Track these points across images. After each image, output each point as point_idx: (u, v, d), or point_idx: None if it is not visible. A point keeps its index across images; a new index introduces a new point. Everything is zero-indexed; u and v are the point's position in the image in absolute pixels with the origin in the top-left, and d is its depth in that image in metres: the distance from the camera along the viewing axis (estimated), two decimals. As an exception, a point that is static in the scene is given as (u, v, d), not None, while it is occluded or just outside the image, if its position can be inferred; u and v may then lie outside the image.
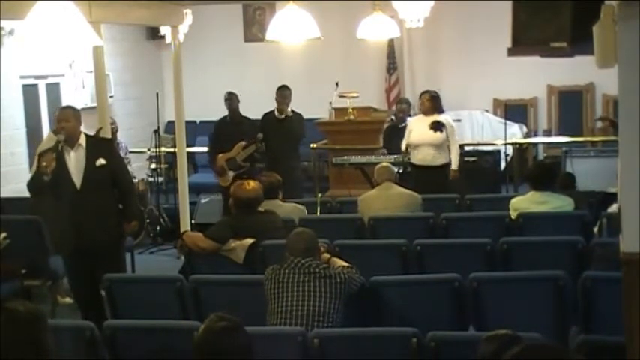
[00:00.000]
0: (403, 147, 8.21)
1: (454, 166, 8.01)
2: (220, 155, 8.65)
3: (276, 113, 8.91)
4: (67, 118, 5.66)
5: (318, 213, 7.29)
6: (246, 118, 8.97)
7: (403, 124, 9.01)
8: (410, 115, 9.46)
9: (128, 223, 5.99)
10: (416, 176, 8.04)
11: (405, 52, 12.31)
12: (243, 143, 8.65)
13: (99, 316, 5.29)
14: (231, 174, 8.55)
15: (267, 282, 4.47)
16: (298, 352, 3.89)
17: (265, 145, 8.80)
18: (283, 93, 8.90)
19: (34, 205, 6.17)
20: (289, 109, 8.91)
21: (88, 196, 5.68)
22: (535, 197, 6.06)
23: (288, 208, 6.44)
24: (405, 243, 5.46)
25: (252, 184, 5.80)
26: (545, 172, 6.20)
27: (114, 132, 8.66)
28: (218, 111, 9.39)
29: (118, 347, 4.16)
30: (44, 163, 5.46)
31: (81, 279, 5.78)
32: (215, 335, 3.03)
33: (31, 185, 5.74)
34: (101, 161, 5.71)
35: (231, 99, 8.92)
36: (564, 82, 11.80)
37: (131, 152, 9.94)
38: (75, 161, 5.67)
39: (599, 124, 11.11)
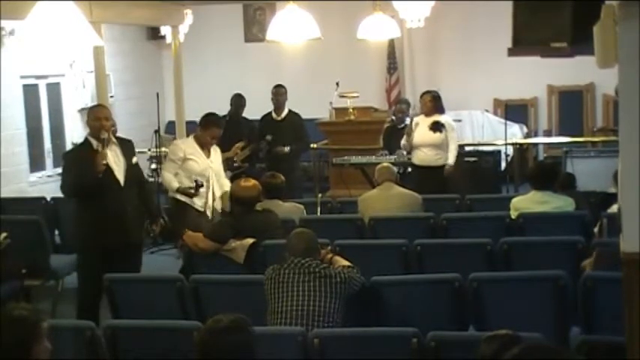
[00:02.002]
0: (403, 143, 8.17)
1: (450, 161, 7.98)
2: None
3: (274, 114, 8.92)
4: (106, 116, 5.75)
5: (319, 213, 7.29)
6: (244, 118, 8.99)
7: (402, 125, 9.02)
8: (409, 116, 9.46)
9: (154, 222, 6.08)
10: (417, 176, 8.05)
11: (405, 52, 12.31)
12: (241, 144, 8.66)
13: (95, 318, 5.31)
14: (228, 174, 8.56)
15: (268, 282, 4.48)
16: (298, 352, 3.89)
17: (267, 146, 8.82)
18: (278, 90, 8.93)
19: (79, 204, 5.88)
20: (287, 109, 8.91)
21: (128, 192, 5.80)
22: (536, 197, 6.06)
23: (287, 208, 6.44)
24: (406, 243, 5.46)
25: (250, 183, 5.80)
26: (546, 172, 6.20)
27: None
28: (218, 111, 9.38)
29: (118, 347, 4.16)
30: (104, 161, 5.56)
31: (99, 278, 5.45)
32: (217, 334, 3.02)
33: (76, 186, 5.63)
34: (135, 159, 5.87)
35: (240, 103, 9.01)
36: (565, 82, 11.79)
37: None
38: (114, 158, 5.73)
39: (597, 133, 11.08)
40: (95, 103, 7.63)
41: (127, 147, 5.89)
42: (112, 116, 5.83)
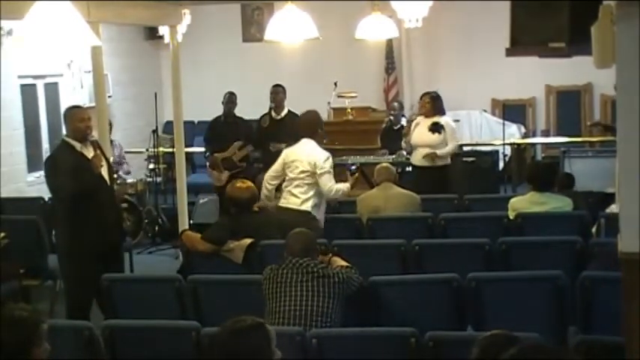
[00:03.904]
0: (403, 145, 8.18)
1: (441, 151, 7.79)
2: (216, 154, 8.68)
3: (273, 113, 8.91)
4: (90, 117, 5.70)
5: (317, 213, 7.27)
6: (240, 118, 8.98)
7: (399, 125, 9.04)
8: (404, 116, 9.49)
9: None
10: (415, 176, 8.04)
11: (403, 52, 12.31)
12: (238, 143, 8.66)
13: (87, 318, 5.29)
14: (226, 173, 8.56)
15: (266, 282, 4.48)
16: (297, 352, 3.89)
17: (263, 145, 8.80)
18: (276, 89, 8.91)
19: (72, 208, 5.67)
20: (287, 109, 8.91)
21: (112, 192, 5.82)
22: (534, 197, 6.05)
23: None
24: (404, 243, 5.46)
25: (246, 184, 5.82)
26: (546, 173, 6.20)
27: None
28: (216, 111, 9.39)
29: (116, 347, 4.16)
30: (102, 163, 5.56)
31: (95, 279, 5.34)
32: (238, 334, 2.99)
33: (74, 189, 5.47)
34: (111, 159, 5.83)
35: (232, 100, 8.95)
36: (563, 82, 11.80)
37: (130, 152, 9.94)
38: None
39: (593, 131, 11.11)
40: (93, 103, 7.60)
41: (101, 147, 5.86)
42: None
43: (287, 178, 6.37)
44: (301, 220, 6.00)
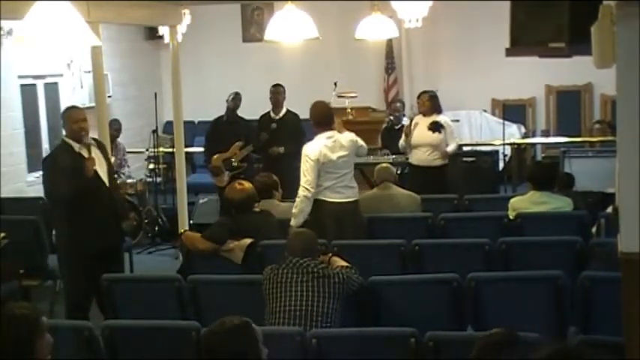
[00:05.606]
0: (401, 144, 8.19)
1: (448, 149, 7.95)
2: (217, 155, 8.65)
3: (272, 114, 8.91)
4: (85, 118, 5.67)
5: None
6: (241, 118, 8.98)
7: (399, 125, 9.04)
8: (405, 115, 9.48)
9: (126, 217, 6.06)
10: (414, 176, 8.05)
11: (403, 52, 12.32)
12: (239, 143, 8.65)
13: (86, 318, 5.29)
14: (228, 174, 8.56)
15: (266, 282, 4.48)
16: (297, 352, 3.89)
17: (263, 145, 8.81)
18: (276, 89, 8.91)
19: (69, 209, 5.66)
20: (285, 109, 8.91)
21: (110, 193, 5.80)
22: (534, 197, 6.06)
23: (284, 208, 6.44)
24: (404, 243, 5.46)
25: (243, 185, 5.83)
26: (547, 173, 6.21)
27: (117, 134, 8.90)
28: (217, 111, 9.39)
29: (116, 347, 4.16)
30: (94, 166, 5.54)
31: (94, 279, 5.38)
32: (221, 336, 3.01)
33: (66, 191, 5.49)
34: (112, 159, 5.79)
35: (238, 99, 8.95)
36: (562, 82, 11.81)
37: (130, 152, 9.95)
38: (98, 160, 5.67)
39: (596, 127, 11.12)
40: (93, 103, 7.61)
41: (102, 147, 5.88)
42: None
43: (335, 175, 6.08)
44: (357, 207, 6.21)
